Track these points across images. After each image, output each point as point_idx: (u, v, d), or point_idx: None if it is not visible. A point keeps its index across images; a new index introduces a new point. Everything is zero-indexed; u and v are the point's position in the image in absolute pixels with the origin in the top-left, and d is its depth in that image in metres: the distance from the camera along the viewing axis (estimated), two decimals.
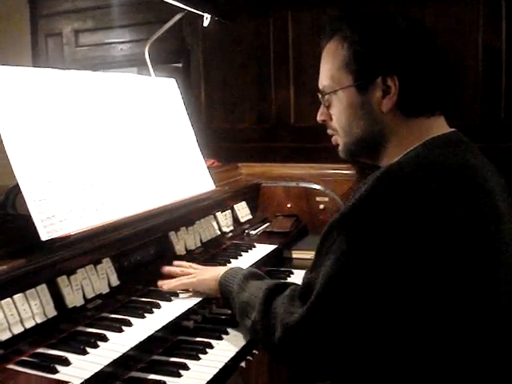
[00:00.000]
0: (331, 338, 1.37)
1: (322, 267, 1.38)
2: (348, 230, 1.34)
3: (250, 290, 1.69)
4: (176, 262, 2.08)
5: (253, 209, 2.93)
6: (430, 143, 1.44)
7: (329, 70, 1.56)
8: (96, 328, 1.62)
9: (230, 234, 2.63)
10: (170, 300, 1.84)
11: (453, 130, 1.51)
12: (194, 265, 2.07)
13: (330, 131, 1.64)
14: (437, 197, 1.30)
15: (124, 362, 1.51)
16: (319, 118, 1.65)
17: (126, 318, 1.67)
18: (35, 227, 1.58)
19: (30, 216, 1.59)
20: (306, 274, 1.49)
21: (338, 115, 1.57)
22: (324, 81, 1.59)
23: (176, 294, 1.87)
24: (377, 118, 1.49)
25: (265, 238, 2.69)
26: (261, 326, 1.55)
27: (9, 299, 1.46)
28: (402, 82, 1.44)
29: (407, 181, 1.32)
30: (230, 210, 2.70)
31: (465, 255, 1.30)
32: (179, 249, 2.20)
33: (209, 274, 1.91)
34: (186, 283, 1.92)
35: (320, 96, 1.61)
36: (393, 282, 1.29)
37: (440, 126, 1.50)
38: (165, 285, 1.92)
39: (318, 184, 3.00)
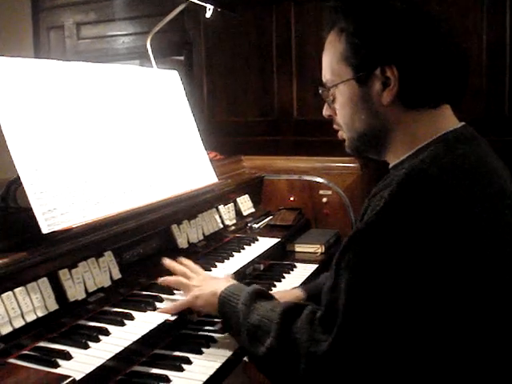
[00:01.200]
0: (363, 361, 1.30)
1: (343, 285, 1.30)
2: (368, 244, 1.28)
3: (259, 311, 1.54)
4: (183, 261, 1.91)
5: (255, 202, 2.92)
6: (446, 140, 1.38)
7: (329, 63, 1.53)
8: (98, 322, 1.61)
9: (233, 228, 2.62)
10: (173, 293, 1.82)
11: (463, 123, 1.46)
12: (199, 270, 1.89)
13: (336, 126, 1.60)
14: (462, 201, 1.27)
15: (126, 356, 1.50)
16: (324, 113, 1.60)
17: (128, 311, 1.66)
18: (36, 220, 1.57)
19: (31, 209, 1.58)
20: (325, 294, 1.39)
21: (341, 110, 1.52)
22: (326, 75, 1.55)
23: (178, 288, 1.85)
24: (378, 112, 1.44)
25: (267, 231, 2.68)
26: (279, 355, 1.43)
27: (10, 292, 1.46)
28: (401, 72, 1.38)
29: (431, 187, 1.27)
30: (232, 203, 2.69)
31: (492, 267, 1.27)
32: (181, 242, 2.18)
33: (208, 289, 1.71)
34: (183, 303, 1.74)
35: (322, 91, 1.57)
36: (418, 291, 1.24)
37: (448, 118, 1.45)
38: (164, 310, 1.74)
39: (321, 177, 2.99)
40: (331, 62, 1.52)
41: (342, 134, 1.58)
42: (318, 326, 1.38)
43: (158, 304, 1.74)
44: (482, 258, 1.26)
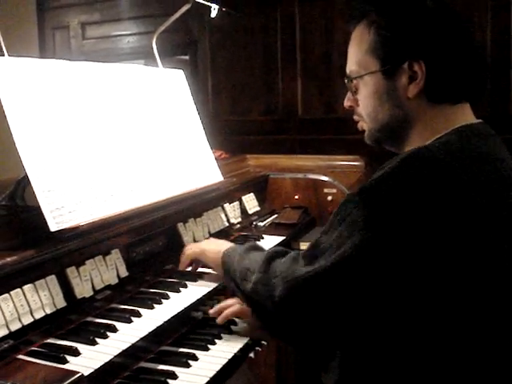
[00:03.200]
0: (332, 304, 1.37)
1: (336, 235, 1.36)
2: (366, 204, 1.31)
3: (250, 257, 1.70)
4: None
5: (261, 200, 2.93)
6: (461, 132, 1.41)
7: (355, 54, 1.53)
8: (105, 319, 1.62)
9: (238, 226, 2.63)
10: (179, 291, 1.84)
11: (480, 120, 1.48)
12: None
13: (356, 117, 1.62)
14: (464, 186, 1.29)
15: (133, 353, 1.51)
16: (346, 103, 1.61)
17: (135, 308, 1.67)
18: (44, 218, 1.59)
19: (39, 207, 1.59)
20: (317, 235, 1.47)
21: (363, 101, 1.54)
22: (351, 66, 1.55)
23: (185, 285, 1.87)
24: (402, 104, 1.46)
25: (273, 229, 2.69)
26: (261, 286, 1.54)
27: (18, 290, 1.47)
28: (429, 68, 1.41)
29: (435, 165, 1.31)
30: (237, 202, 2.70)
31: (487, 248, 1.28)
32: (187, 240, 2.20)
33: (212, 246, 1.94)
34: (188, 253, 1.98)
35: (347, 81, 1.57)
36: (405, 262, 1.27)
37: (466, 115, 1.47)
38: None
39: (325, 175, 3.00)
40: (358, 54, 1.52)
41: (363, 125, 1.60)
42: (300, 259, 1.47)
43: (164, 301, 1.76)
44: (481, 245, 1.27)
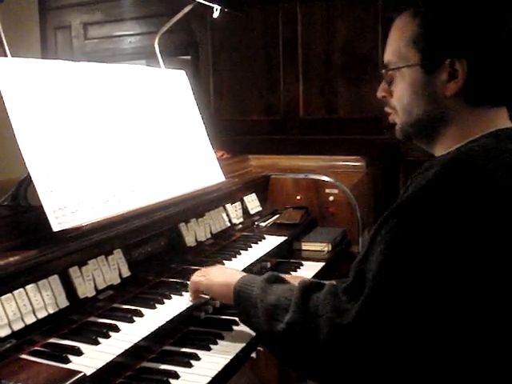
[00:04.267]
0: (386, 337, 1.28)
1: (376, 257, 1.30)
2: (408, 217, 1.28)
3: (276, 292, 1.54)
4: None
5: (262, 200, 2.94)
6: (498, 135, 1.38)
7: (396, 45, 1.49)
8: (107, 318, 1.63)
9: (240, 226, 2.63)
10: (181, 291, 1.84)
11: None
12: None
13: (387, 109, 1.57)
14: (505, 194, 1.26)
15: (135, 352, 1.52)
16: (379, 93, 1.57)
17: (137, 308, 1.68)
18: (47, 218, 1.59)
19: (42, 207, 1.60)
20: (354, 264, 1.39)
21: (399, 93, 1.50)
22: (389, 56, 1.52)
23: (187, 285, 1.87)
24: (439, 101, 1.43)
25: (274, 229, 2.70)
26: (301, 328, 1.41)
27: (21, 289, 1.48)
28: (470, 68, 1.38)
29: (476, 172, 1.28)
30: (239, 202, 2.70)
31: None
32: (189, 240, 2.20)
33: (220, 278, 1.74)
34: (194, 281, 1.79)
35: (383, 71, 1.53)
36: (452, 274, 1.23)
37: (503, 119, 1.45)
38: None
39: (327, 176, 3.00)
40: (398, 44, 1.48)
41: (394, 118, 1.56)
42: (342, 295, 1.38)
43: (166, 301, 1.76)
44: None
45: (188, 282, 1.87)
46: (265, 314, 1.52)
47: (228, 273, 1.78)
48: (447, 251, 1.24)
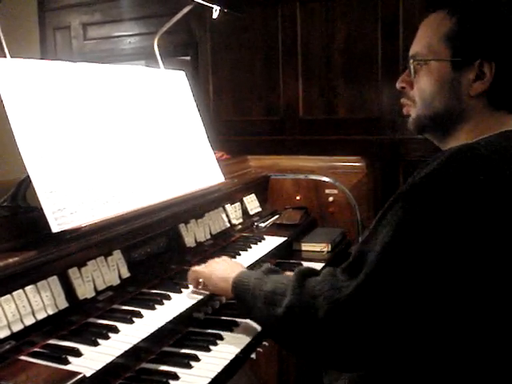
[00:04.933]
0: (384, 315, 1.30)
1: (380, 239, 1.32)
2: (413, 202, 1.30)
3: (272, 280, 1.60)
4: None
5: (262, 201, 2.93)
6: (506, 136, 1.40)
7: (428, 39, 1.51)
8: (107, 319, 1.63)
9: (240, 227, 2.63)
10: (181, 292, 1.84)
11: None
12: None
13: (404, 100, 1.60)
14: (510, 184, 1.28)
15: (135, 354, 1.51)
16: (399, 84, 1.60)
17: (136, 309, 1.68)
18: (46, 219, 1.59)
19: (41, 208, 1.60)
20: (358, 245, 1.42)
21: (422, 85, 1.52)
22: (418, 47, 1.54)
23: (186, 286, 1.87)
24: (461, 99, 1.46)
25: (274, 230, 2.69)
26: (300, 309, 1.43)
27: (20, 291, 1.47)
28: (498, 71, 1.41)
29: (482, 162, 1.30)
30: (239, 203, 2.70)
31: None
32: (189, 241, 2.20)
33: (220, 271, 1.81)
34: (196, 270, 1.85)
35: (410, 62, 1.55)
36: (451, 261, 1.25)
37: None
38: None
39: (327, 176, 3.00)
40: (431, 38, 1.51)
41: (409, 110, 1.58)
42: (340, 274, 1.40)
43: (166, 302, 1.76)
44: None
45: (188, 283, 1.88)
46: (263, 302, 1.56)
47: (228, 266, 1.84)
48: (450, 237, 1.25)
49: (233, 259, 2.13)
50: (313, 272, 1.55)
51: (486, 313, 1.27)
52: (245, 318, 1.77)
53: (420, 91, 1.53)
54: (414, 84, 1.55)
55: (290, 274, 1.66)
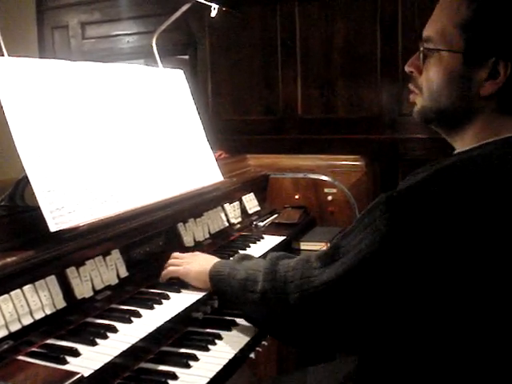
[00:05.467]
0: (348, 310, 1.34)
1: (358, 240, 1.31)
2: (395, 212, 1.26)
3: (244, 267, 1.65)
4: (173, 254, 2.01)
5: (261, 200, 2.93)
6: (509, 143, 1.33)
7: (443, 23, 1.38)
8: (105, 319, 1.62)
9: (238, 226, 2.63)
10: (179, 291, 1.84)
11: None
12: (182, 254, 2.01)
13: (411, 86, 1.50)
14: (502, 210, 1.23)
15: (133, 353, 1.51)
16: (408, 67, 1.49)
17: (135, 309, 1.67)
18: (44, 218, 1.58)
19: (39, 207, 1.59)
20: (337, 237, 1.43)
21: (431, 75, 1.42)
22: (432, 32, 1.41)
23: (185, 286, 1.86)
24: (471, 98, 1.37)
25: (273, 229, 2.69)
26: (272, 294, 1.48)
27: (18, 290, 1.46)
28: None
29: (471, 180, 1.25)
30: (238, 202, 2.69)
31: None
32: (187, 240, 2.19)
33: (196, 266, 1.86)
34: (171, 271, 1.90)
35: (421, 45, 1.44)
36: (425, 274, 1.23)
37: None
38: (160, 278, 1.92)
39: (326, 175, 3.00)
40: (446, 24, 1.38)
41: (415, 98, 1.49)
42: (315, 261, 1.42)
43: (164, 301, 1.75)
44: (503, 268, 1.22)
45: (186, 283, 1.87)
46: (239, 289, 1.62)
47: (203, 259, 1.90)
48: (425, 251, 1.23)
49: None
50: (285, 256, 1.59)
51: (461, 320, 1.26)
52: (231, 309, 1.83)
53: (428, 81, 1.43)
54: (422, 70, 1.45)
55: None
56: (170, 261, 1.97)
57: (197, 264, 1.88)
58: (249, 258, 1.78)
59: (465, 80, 1.37)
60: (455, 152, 1.46)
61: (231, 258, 1.80)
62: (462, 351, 1.27)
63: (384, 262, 1.27)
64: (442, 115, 1.44)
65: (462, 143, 1.43)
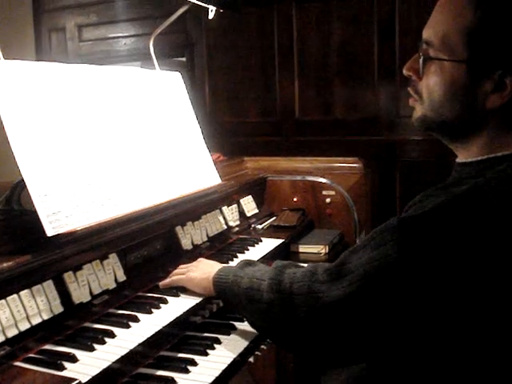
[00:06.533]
0: (356, 328, 1.31)
1: (366, 260, 1.28)
2: (406, 239, 1.22)
3: (248, 275, 1.62)
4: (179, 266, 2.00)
5: (259, 203, 2.92)
6: None
7: (445, 28, 1.29)
8: (103, 324, 1.61)
9: (237, 229, 2.61)
10: (178, 295, 1.83)
11: None
12: (187, 264, 2.00)
13: (411, 91, 1.40)
14: None
15: (131, 358, 1.50)
16: (406, 71, 1.39)
17: (133, 313, 1.66)
18: (41, 223, 1.57)
19: (36, 212, 1.58)
20: (347, 251, 1.38)
21: (431, 85, 1.33)
22: (433, 36, 1.32)
23: (183, 290, 1.85)
24: (474, 111, 1.29)
25: (271, 232, 2.68)
26: (279, 307, 1.45)
27: (15, 295, 1.45)
28: None
29: (490, 213, 1.19)
30: (236, 204, 2.68)
31: None
32: (186, 243, 2.18)
33: (200, 273, 1.85)
34: (175, 280, 1.89)
35: (420, 47, 1.35)
36: (436, 303, 1.21)
37: None
38: (160, 284, 1.91)
39: (324, 177, 2.99)
40: (448, 29, 1.28)
41: (415, 104, 1.41)
42: (322, 273, 1.39)
43: (162, 306, 1.74)
44: None
45: (184, 287, 1.86)
46: (243, 298, 1.59)
47: (206, 266, 1.88)
48: (435, 281, 1.21)
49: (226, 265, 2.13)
50: (292, 264, 1.59)
51: (468, 342, 1.24)
52: (233, 314, 1.83)
53: (428, 89, 1.34)
54: (422, 76, 1.36)
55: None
56: (175, 271, 1.95)
57: (200, 271, 1.86)
58: (253, 264, 1.74)
59: (469, 92, 1.28)
60: (460, 161, 1.40)
61: (232, 263, 1.78)
62: (470, 367, 1.26)
63: (392, 288, 1.25)
64: (443, 126, 1.37)
65: (467, 154, 1.37)
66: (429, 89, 1.34)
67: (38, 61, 1.87)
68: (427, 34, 1.34)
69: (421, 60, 1.34)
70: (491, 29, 1.23)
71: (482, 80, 1.26)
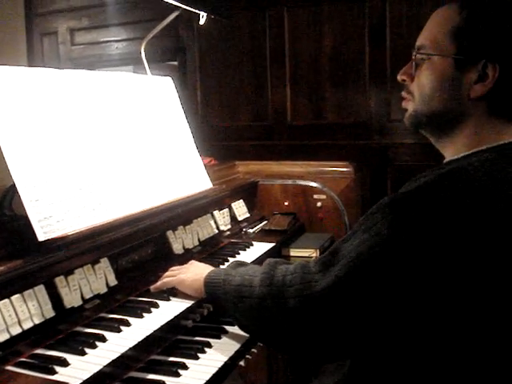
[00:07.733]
0: (350, 315, 1.33)
1: (358, 242, 1.32)
2: (398, 215, 1.27)
3: (239, 273, 1.64)
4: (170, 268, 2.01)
5: (250, 207, 2.93)
6: (502, 150, 1.36)
7: (435, 32, 1.45)
8: (94, 328, 1.62)
9: (228, 233, 2.62)
10: (169, 299, 1.83)
11: None
12: (179, 266, 2.01)
13: (404, 93, 1.53)
14: (500, 213, 1.24)
15: (123, 362, 1.51)
16: (400, 76, 1.53)
17: (124, 317, 1.67)
18: (32, 228, 1.58)
19: (27, 216, 1.59)
20: (337, 242, 1.42)
21: (423, 80, 1.46)
22: (424, 40, 1.47)
23: (174, 294, 1.86)
24: (460, 100, 1.41)
25: (262, 236, 2.69)
26: (271, 300, 1.47)
27: (6, 300, 1.46)
28: (502, 75, 1.35)
29: (473, 188, 1.27)
30: (227, 209, 2.69)
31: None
32: (177, 247, 2.19)
33: (191, 274, 1.86)
34: (166, 282, 1.90)
35: (413, 53, 1.49)
36: (425, 279, 1.24)
37: None
38: (151, 287, 1.92)
39: (315, 182, 3.00)
40: (438, 32, 1.44)
41: (407, 104, 1.53)
42: (313, 265, 1.42)
43: (154, 310, 1.75)
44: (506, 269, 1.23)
45: (176, 290, 1.87)
46: (234, 296, 1.60)
47: (198, 268, 1.90)
48: (424, 257, 1.24)
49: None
50: (283, 261, 1.60)
51: (460, 323, 1.26)
52: (224, 317, 1.84)
53: (420, 86, 1.47)
54: (414, 78, 1.49)
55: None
56: (166, 273, 1.96)
57: (191, 273, 1.87)
58: (244, 264, 1.78)
59: (455, 83, 1.41)
60: (446, 160, 1.47)
61: (223, 265, 1.79)
62: (461, 354, 1.28)
63: (385, 266, 1.27)
64: (433, 119, 1.47)
65: (453, 150, 1.45)
66: (420, 84, 1.47)
67: (30, 65, 1.88)
68: (419, 41, 1.49)
69: (413, 64, 1.49)
70: (474, 26, 1.38)
71: (467, 71, 1.39)
